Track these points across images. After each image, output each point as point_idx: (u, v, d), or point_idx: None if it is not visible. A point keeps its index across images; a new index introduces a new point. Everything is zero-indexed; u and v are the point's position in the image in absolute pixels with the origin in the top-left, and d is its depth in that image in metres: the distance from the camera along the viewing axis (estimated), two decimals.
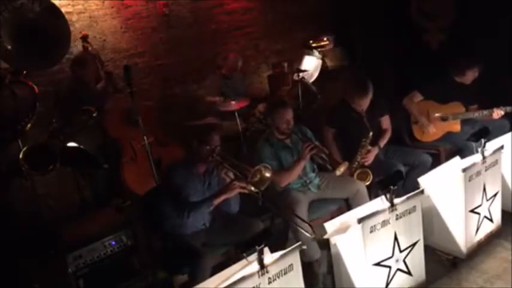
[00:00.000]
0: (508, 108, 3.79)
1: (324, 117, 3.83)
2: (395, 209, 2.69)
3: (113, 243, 3.10)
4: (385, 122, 3.80)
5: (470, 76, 4.01)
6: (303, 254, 2.56)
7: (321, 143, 3.40)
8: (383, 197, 2.71)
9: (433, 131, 4.02)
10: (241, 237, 2.74)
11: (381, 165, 3.54)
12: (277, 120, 3.24)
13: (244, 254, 2.23)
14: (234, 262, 2.28)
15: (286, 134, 3.28)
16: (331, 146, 3.65)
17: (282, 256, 2.29)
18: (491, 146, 3.22)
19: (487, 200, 3.23)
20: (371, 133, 3.50)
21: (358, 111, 3.59)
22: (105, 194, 4.09)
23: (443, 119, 4.03)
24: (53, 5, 3.74)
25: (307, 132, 3.44)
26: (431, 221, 3.17)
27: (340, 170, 3.18)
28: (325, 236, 2.71)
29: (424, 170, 3.33)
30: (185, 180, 2.91)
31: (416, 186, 3.06)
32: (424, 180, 3.11)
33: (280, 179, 3.20)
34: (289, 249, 2.32)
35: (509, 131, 3.52)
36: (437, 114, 4.04)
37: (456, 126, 4.01)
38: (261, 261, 2.21)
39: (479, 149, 3.14)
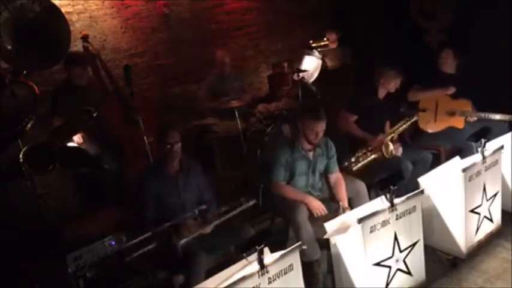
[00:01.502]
0: None
1: (343, 105, 3.84)
2: (395, 209, 2.69)
3: (113, 243, 3.10)
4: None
5: (444, 62, 4.09)
6: (303, 254, 2.56)
7: (335, 132, 3.50)
8: (383, 197, 2.72)
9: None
10: (231, 243, 2.74)
11: (385, 163, 3.54)
12: (306, 128, 3.08)
13: (244, 254, 2.23)
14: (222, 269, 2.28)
15: (312, 145, 3.16)
16: (354, 131, 3.69)
17: (282, 256, 2.29)
18: (491, 146, 3.23)
19: (487, 200, 3.23)
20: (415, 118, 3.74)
21: (381, 98, 3.77)
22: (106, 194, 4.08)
23: (450, 113, 4.04)
24: (53, 5, 3.73)
25: (332, 148, 3.30)
26: (431, 221, 3.17)
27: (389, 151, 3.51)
28: (325, 236, 2.71)
29: (424, 167, 3.33)
30: (155, 184, 2.88)
31: (416, 184, 3.08)
32: (424, 180, 3.12)
33: (279, 189, 3.16)
34: (289, 249, 2.32)
35: (509, 131, 3.53)
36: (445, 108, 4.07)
37: (460, 123, 4.01)
38: (261, 261, 2.21)
39: (479, 149, 3.14)
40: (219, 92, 4.56)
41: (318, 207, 3.06)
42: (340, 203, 3.12)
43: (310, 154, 3.22)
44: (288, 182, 3.23)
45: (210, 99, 4.58)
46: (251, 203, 2.91)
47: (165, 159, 2.95)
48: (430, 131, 4.07)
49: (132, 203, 3.03)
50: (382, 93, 3.80)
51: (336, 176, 3.30)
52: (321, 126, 3.07)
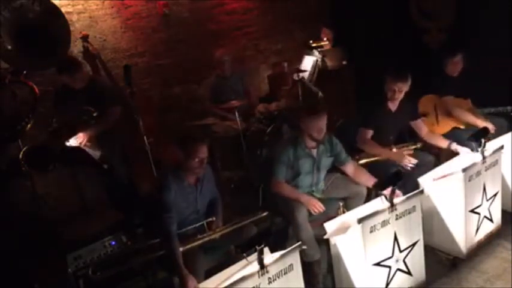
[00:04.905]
0: None
1: (359, 120, 3.72)
2: (395, 209, 2.69)
3: (113, 243, 3.10)
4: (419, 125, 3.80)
5: (452, 67, 4.02)
6: (303, 254, 2.56)
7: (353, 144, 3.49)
8: (383, 197, 2.72)
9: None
10: (233, 241, 2.73)
11: (380, 166, 3.54)
12: (309, 126, 3.09)
13: (244, 254, 2.23)
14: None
15: (317, 142, 3.17)
16: (371, 148, 3.58)
17: (282, 256, 2.29)
18: (491, 146, 3.23)
19: (487, 200, 3.23)
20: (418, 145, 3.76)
21: (391, 109, 3.67)
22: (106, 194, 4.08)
23: (447, 113, 4.01)
24: (53, 5, 3.74)
25: (337, 145, 3.30)
26: (431, 221, 3.17)
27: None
28: (325, 236, 2.71)
29: (427, 170, 3.32)
30: (177, 192, 2.83)
31: (416, 184, 3.08)
32: (424, 180, 3.12)
33: (277, 187, 3.14)
34: (289, 249, 2.32)
35: (509, 131, 3.52)
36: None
37: (461, 123, 3.99)
38: (261, 261, 2.21)
39: (479, 149, 3.14)
40: (220, 92, 4.56)
41: (315, 204, 3.05)
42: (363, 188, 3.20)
43: (314, 152, 3.22)
44: (292, 181, 3.22)
45: (210, 100, 4.58)
46: (263, 214, 2.97)
47: (190, 172, 2.85)
48: (437, 133, 4.02)
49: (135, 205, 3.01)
50: (392, 104, 3.67)
51: (352, 164, 3.33)
52: (324, 121, 3.10)
